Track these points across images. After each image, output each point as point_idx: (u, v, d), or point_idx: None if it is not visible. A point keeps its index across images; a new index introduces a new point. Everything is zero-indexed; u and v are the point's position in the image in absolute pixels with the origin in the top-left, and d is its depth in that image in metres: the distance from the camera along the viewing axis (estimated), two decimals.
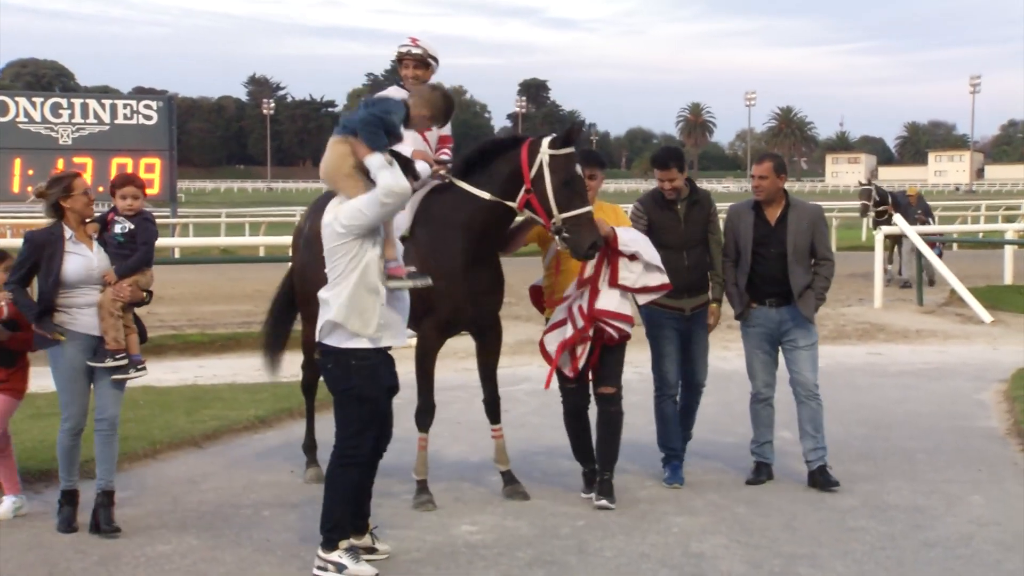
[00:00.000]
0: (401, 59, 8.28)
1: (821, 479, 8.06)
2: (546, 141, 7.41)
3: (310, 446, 8.57)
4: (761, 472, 8.26)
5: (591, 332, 7.48)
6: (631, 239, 7.48)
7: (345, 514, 6.41)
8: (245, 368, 13.18)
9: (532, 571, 6.48)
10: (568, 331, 7.51)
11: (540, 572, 6.47)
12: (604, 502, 7.62)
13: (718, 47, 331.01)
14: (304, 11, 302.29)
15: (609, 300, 7.47)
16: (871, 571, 6.49)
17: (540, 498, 7.79)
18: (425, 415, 7.75)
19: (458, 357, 13.90)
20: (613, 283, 7.47)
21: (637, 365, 9.81)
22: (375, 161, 6.27)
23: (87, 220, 7.18)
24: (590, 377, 7.74)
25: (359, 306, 6.27)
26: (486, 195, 7.44)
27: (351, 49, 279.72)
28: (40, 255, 7.04)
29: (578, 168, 7.38)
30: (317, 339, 6.47)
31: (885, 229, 20.76)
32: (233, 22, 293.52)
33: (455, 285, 7.41)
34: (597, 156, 8.10)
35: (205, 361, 14.23)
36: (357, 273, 6.26)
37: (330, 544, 6.34)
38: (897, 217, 20.99)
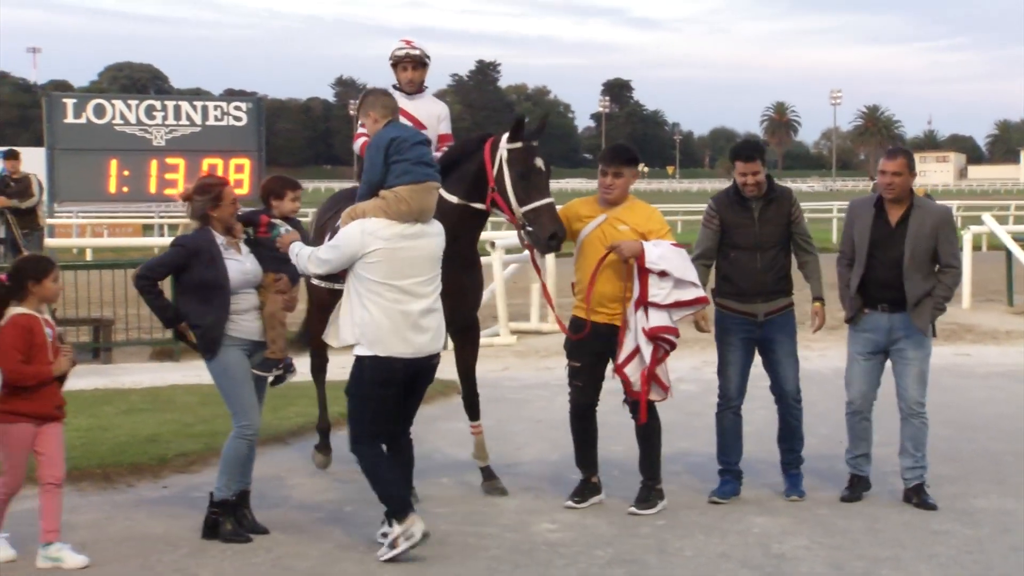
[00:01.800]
0: (398, 62, 8.28)
1: (918, 498, 7.65)
2: (505, 136, 7.42)
3: (326, 428, 8.78)
4: (856, 487, 7.80)
5: (660, 351, 7.39)
6: (659, 256, 7.26)
7: None
8: (330, 367, 13.27)
9: (611, 570, 6.46)
10: (647, 358, 7.36)
11: (619, 571, 6.44)
12: (635, 509, 7.48)
13: (803, 45, 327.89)
14: (389, 12, 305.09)
15: (659, 318, 7.31)
16: (956, 575, 6.37)
17: (619, 497, 7.73)
18: None
19: (539, 356, 13.94)
20: (643, 301, 7.29)
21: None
22: None
23: (232, 225, 7.06)
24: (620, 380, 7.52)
25: None
26: (453, 199, 7.49)
27: (435, 49, 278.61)
28: (189, 261, 6.89)
29: (538, 161, 7.36)
30: (438, 347, 6.85)
31: (973, 229, 20.36)
32: (320, 24, 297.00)
33: None
34: (623, 152, 7.72)
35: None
36: None
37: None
38: (986, 216, 20.60)
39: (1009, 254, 19.63)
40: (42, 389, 6.49)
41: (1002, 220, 28.07)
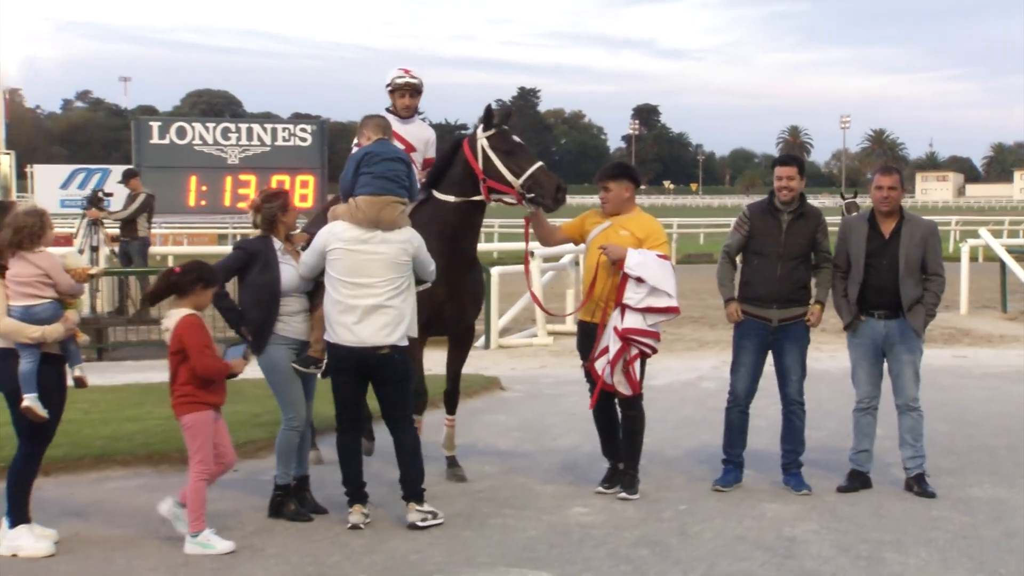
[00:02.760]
0: (396, 89, 8.19)
1: (918, 487, 7.56)
2: (479, 130, 7.46)
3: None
4: (855, 480, 7.69)
5: (632, 350, 7.22)
6: (638, 263, 7.14)
7: None
8: None
9: (637, 550, 6.41)
10: (611, 353, 7.24)
11: (645, 551, 6.40)
12: (624, 494, 7.40)
13: (816, 74, 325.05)
14: (439, 44, 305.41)
15: (634, 320, 7.18)
16: (953, 558, 6.30)
17: (645, 484, 7.68)
18: (417, 398, 7.73)
19: (573, 355, 13.87)
20: (618, 302, 7.20)
21: None
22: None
23: (292, 232, 7.13)
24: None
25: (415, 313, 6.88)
26: (451, 198, 7.50)
27: (481, 78, 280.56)
28: (250, 263, 6.92)
29: (515, 138, 7.42)
30: (388, 341, 6.67)
31: (971, 242, 20.20)
32: (378, 55, 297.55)
33: (435, 286, 7.31)
34: (609, 168, 7.61)
35: None
36: (413, 289, 6.82)
37: (422, 497, 6.85)
38: (982, 231, 20.42)
39: (1003, 265, 19.54)
40: (221, 382, 6.59)
41: (996, 234, 27.76)
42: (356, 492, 6.87)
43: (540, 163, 7.35)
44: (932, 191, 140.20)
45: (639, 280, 7.15)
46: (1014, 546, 6.52)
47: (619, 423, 7.61)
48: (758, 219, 7.74)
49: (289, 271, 6.90)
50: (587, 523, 6.95)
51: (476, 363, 12.97)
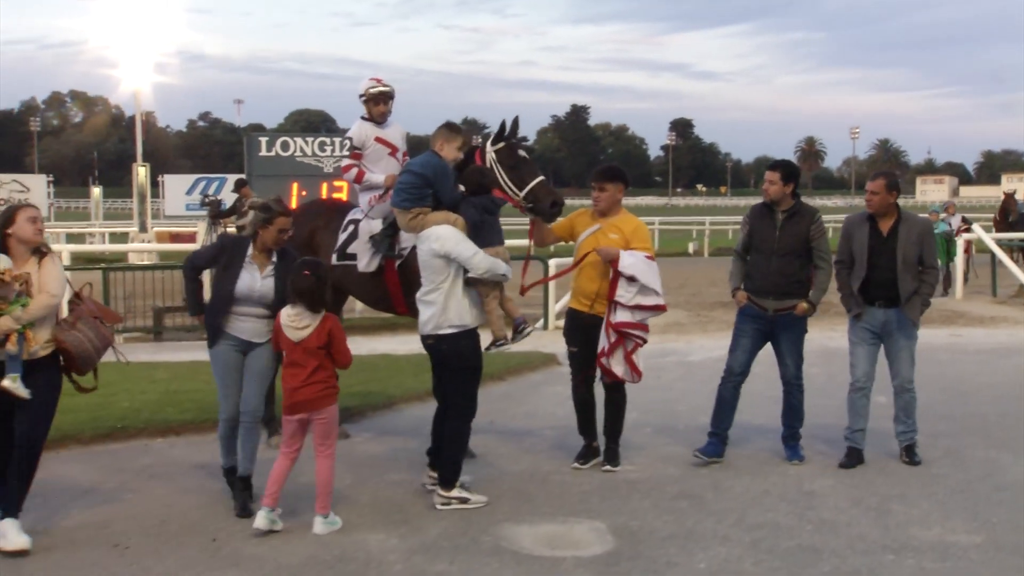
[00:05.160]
0: (371, 98, 7.83)
1: (907, 456, 7.30)
2: (489, 143, 6.95)
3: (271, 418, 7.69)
4: (852, 457, 7.34)
5: (629, 343, 6.90)
6: (630, 263, 6.76)
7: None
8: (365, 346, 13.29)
9: (677, 502, 6.40)
10: (606, 345, 6.92)
11: (684, 503, 6.38)
12: (608, 467, 7.08)
13: (829, 92, 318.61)
14: (505, 69, 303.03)
15: (624, 315, 6.86)
16: (951, 509, 6.22)
17: (683, 446, 7.63)
18: None
19: None
20: (611, 299, 6.86)
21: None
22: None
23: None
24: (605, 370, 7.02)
25: (468, 300, 6.26)
26: (461, 188, 6.78)
27: (540, 97, 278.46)
28: (219, 257, 6.21)
29: (521, 152, 6.89)
30: (425, 330, 6.28)
31: (965, 236, 19.78)
32: (452, 79, 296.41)
33: None
34: (605, 171, 7.15)
35: None
36: (459, 278, 6.23)
37: (452, 484, 6.32)
38: (975, 226, 20.01)
39: (993, 256, 19.17)
40: None
41: (987, 229, 27.10)
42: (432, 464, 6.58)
43: (541, 177, 6.87)
44: (930, 192, 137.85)
45: (631, 279, 6.81)
46: (1003, 498, 6.44)
47: (594, 406, 7.27)
48: (756, 219, 7.44)
49: (246, 279, 6.09)
50: (634, 479, 6.93)
51: (536, 342, 12.95)
